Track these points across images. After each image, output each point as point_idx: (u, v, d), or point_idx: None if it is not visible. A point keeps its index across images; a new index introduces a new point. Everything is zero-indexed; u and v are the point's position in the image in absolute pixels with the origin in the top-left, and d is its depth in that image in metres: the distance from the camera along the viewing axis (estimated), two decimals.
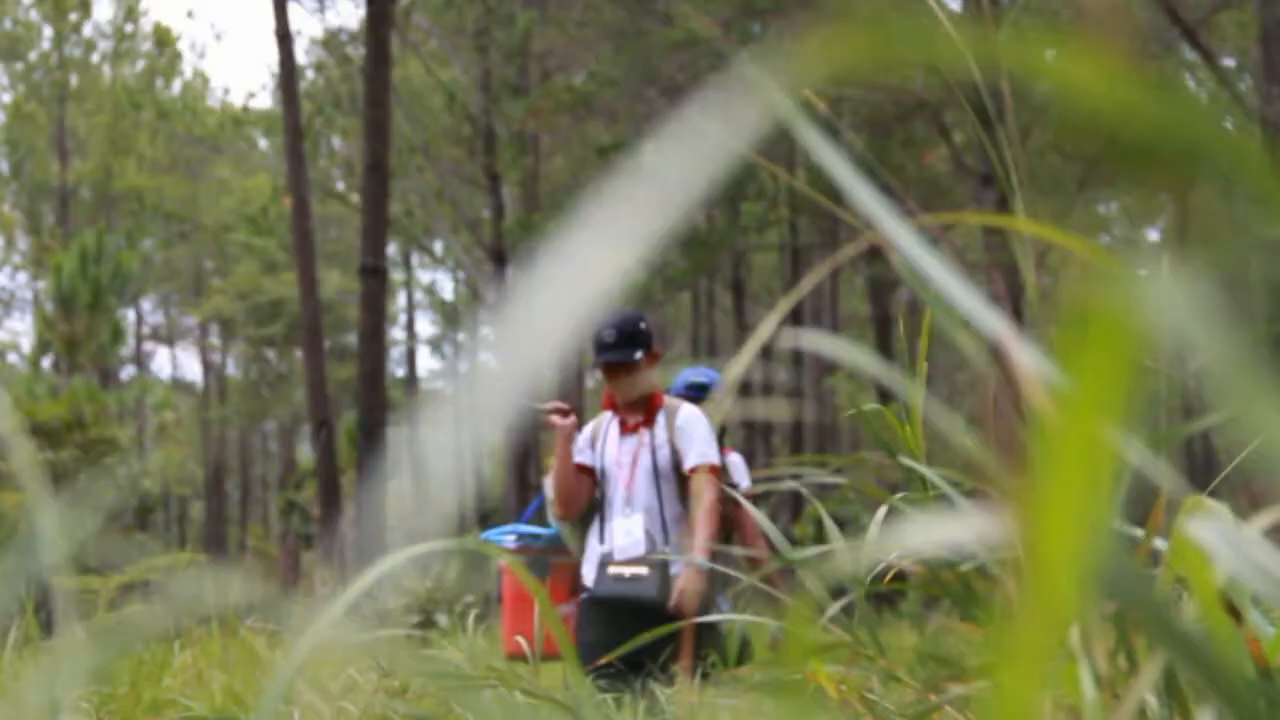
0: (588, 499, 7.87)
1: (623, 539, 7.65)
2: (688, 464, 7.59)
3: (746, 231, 37.73)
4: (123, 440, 29.74)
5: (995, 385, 1.53)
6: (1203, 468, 40.97)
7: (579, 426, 7.82)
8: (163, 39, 52.49)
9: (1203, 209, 0.72)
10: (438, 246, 49.69)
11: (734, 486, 8.05)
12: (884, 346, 38.75)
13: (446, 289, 59.31)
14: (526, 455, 38.26)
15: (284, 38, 25.15)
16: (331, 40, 41.35)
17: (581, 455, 7.85)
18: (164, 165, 52.01)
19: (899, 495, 2.08)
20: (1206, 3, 26.36)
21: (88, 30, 50.50)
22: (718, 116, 0.74)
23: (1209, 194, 0.70)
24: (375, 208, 23.32)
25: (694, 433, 7.64)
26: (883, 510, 2.16)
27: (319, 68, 43.49)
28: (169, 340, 65.83)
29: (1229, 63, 30.64)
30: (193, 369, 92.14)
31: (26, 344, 54.69)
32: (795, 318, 37.72)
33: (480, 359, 54.22)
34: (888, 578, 2.15)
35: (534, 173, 38.05)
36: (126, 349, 51.34)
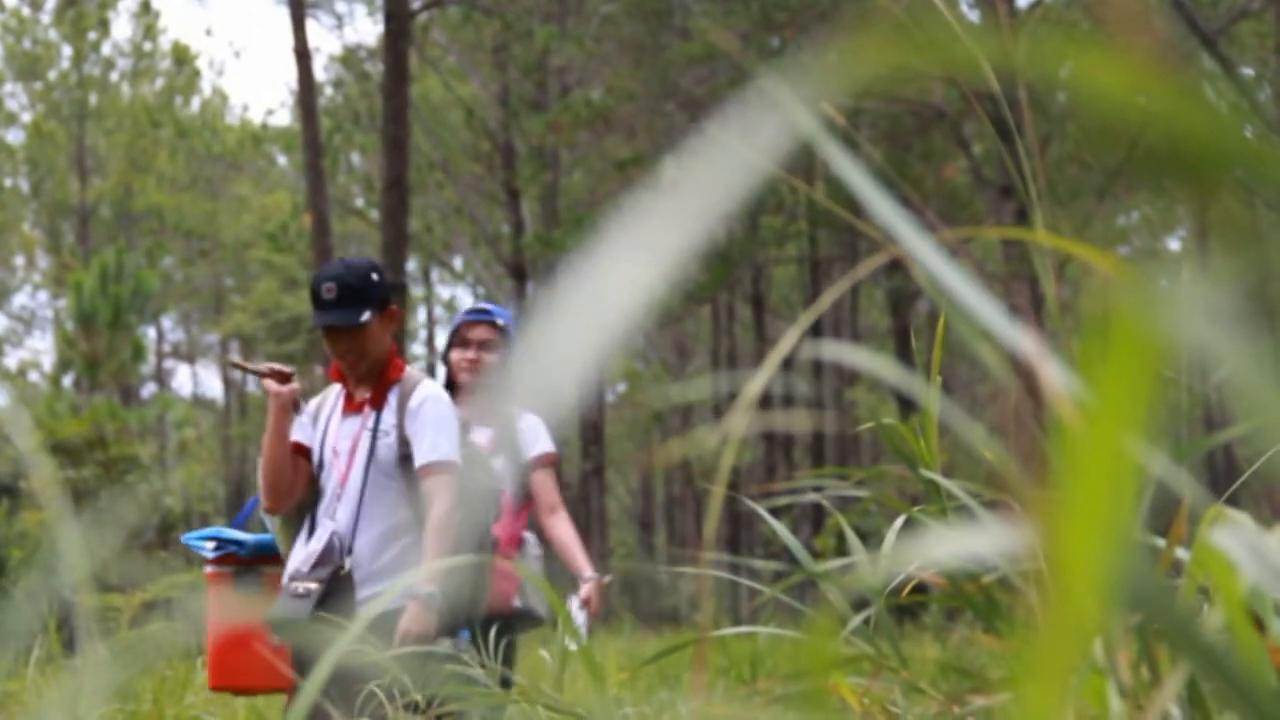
0: (303, 489, 6.31)
1: (305, 547, 6.14)
2: (418, 459, 6.07)
3: (766, 245, 37.75)
4: (144, 458, 29.78)
5: (1016, 397, 1.53)
6: (1224, 478, 40.88)
7: (360, 407, 6.24)
8: (181, 57, 52.59)
9: (1224, 218, 0.72)
10: (457, 262, 49.77)
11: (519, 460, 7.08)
12: (904, 359, 38.69)
13: (466, 305, 59.35)
14: None
15: (303, 55, 25.19)
16: (350, 57, 41.45)
17: (300, 433, 6.31)
18: (183, 183, 52.13)
19: (921, 508, 2.08)
20: (1225, 13, 26.33)
21: (107, 49, 50.59)
22: (738, 131, 0.74)
23: (1230, 203, 0.70)
24: (395, 224, 23.33)
25: (430, 417, 6.12)
26: (903, 522, 2.16)
27: (338, 84, 43.62)
28: (189, 358, 65.94)
29: (1248, 72, 30.58)
30: (214, 386, 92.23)
31: (48, 362, 54.81)
32: (815, 331, 37.72)
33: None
34: (908, 589, 2.15)
35: (553, 188, 38.08)
36: (147, 367, 51.43)
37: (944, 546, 1.12)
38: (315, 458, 6.25)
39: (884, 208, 1.12)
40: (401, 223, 23.58)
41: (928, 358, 2.02)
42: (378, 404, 6.17)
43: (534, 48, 35.72)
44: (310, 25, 34.91)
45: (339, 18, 44.65)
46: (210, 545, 6.47)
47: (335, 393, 6.33)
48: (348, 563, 6.00)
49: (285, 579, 6.06)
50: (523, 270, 38.06)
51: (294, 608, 5.92)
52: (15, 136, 51.20)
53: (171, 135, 48.10)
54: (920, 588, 2.15)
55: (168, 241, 50.94)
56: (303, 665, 6.09)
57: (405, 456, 6.09)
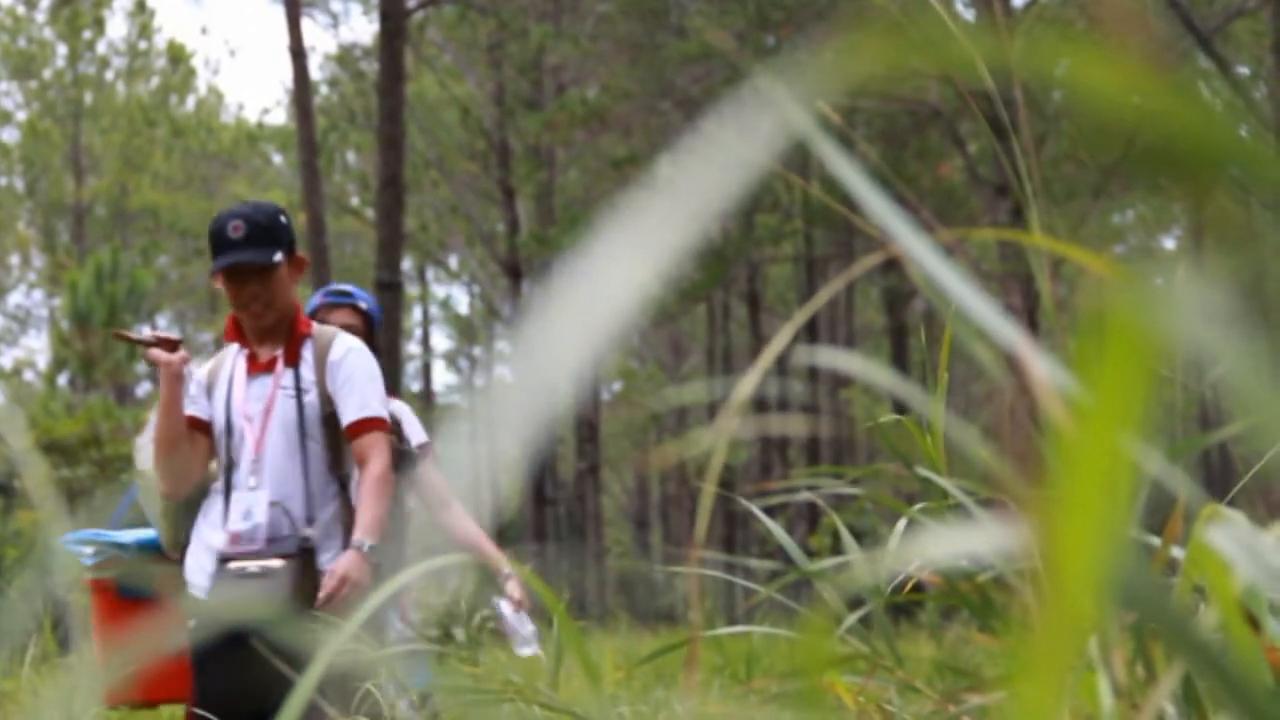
0: (203, 468, 5.71)
1: (239, 523, 5.53)
2: (346, 417, 5.60)
3: (761, 244, 37.75)
4: None
5: (1011, 396, 1.54)
6: (1220, 476, 40.91)
7: (268, 365, 5.70)
8: (177, 56, 52.56)
9: (1219, 217, 0.72)
10: (453, 261, 49.77)
11: (404, 448, 6.40)
12: (899, 358, 38.75)
13: (462, 304, 59.35)
14: (543, 469, 38.28)
15: (298, 54, 25.18)
16: (345, 56, 41.44)
17: (194, 405, 5.70)
18: (179, 182, 52.08)
19: (916, 506, 2.08)
20: (1221, 11, 26.35)
21: (102, 48, 50.57)
22: (734, 130, 0.74)
23: (1225, 202, 0.70)
24: (390, 223, 23.32)
25: (355, 372, 5.66)
26: (901, 521, 2.16)
27: (333, 83, 43.59)
28: None
29: (1243, 71, 30.60)
30: None
31: (42, 361, 54.76)
32: (810, 329, 37.74)
33: (497, 374, 54.28)
34: (907, 588, 2.15)
35: (549, 187, 38.08)
36: (142, 366, 51.42)
37: (940, 545, 1.12)
38: (218, 429, 5.70)
39: (879, 206, 1.12)
40: (397, 221, 23.57)
41: (923, 357, 2.02)
42: (292, 360, 5.68)
43: (529, 46, 35.71)
44: (305, 24, 34.83)
45: (334, 16, 44.71)
46: (88, 550, 5.82)
47: (232, 356, 5.78)
48: (309, 532, 5.54)
49: (208, 562, 5.56)
50: (518, 269, 38.08)
51: (261, 587, 5.44)
52: (10, 135, 51.18)
53: (166, 134, 48.13)
54: (916, 586, 2.15)
55: (163, 240, 50.94)
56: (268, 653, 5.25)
57: (329, 415, 5.63)
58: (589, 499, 40.61)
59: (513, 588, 6.49)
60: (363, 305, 6.62)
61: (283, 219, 5.64)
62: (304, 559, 5.51)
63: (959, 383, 43.01)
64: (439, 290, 58.54)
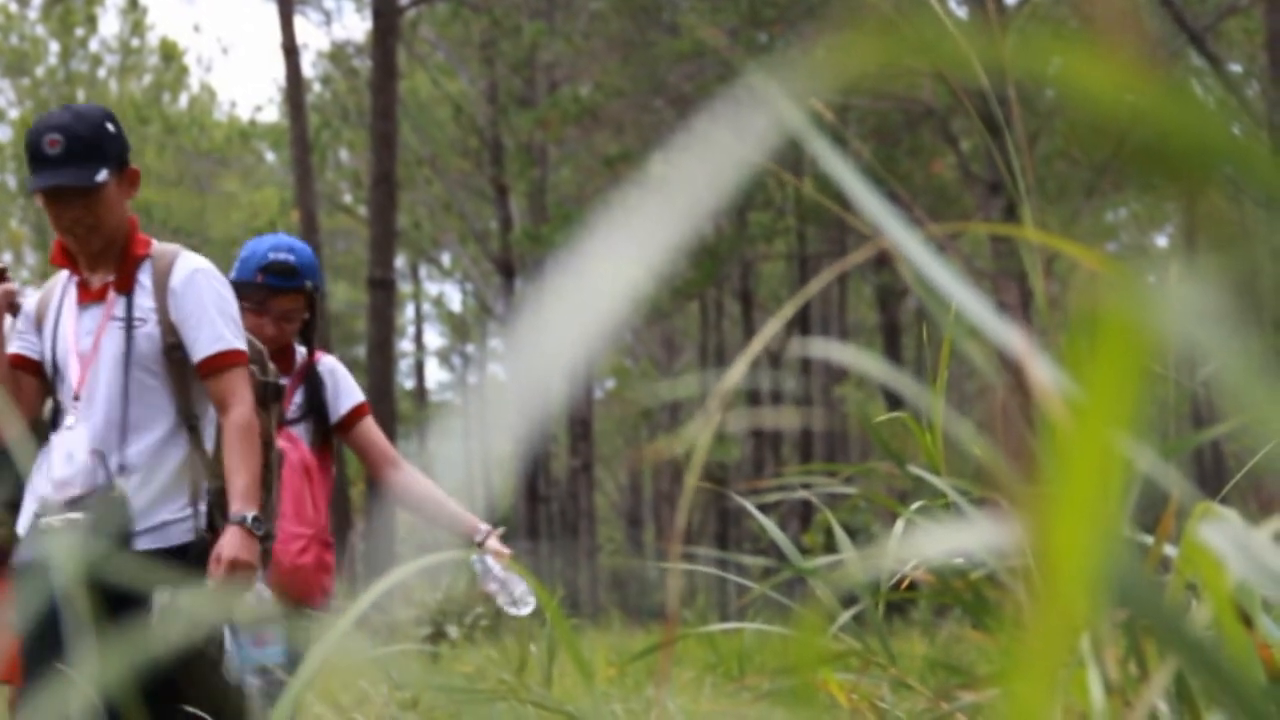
0: (32, 412, 5.00)
1: (62, 468, 4.78)
2: (197, 352, 4.84)
3: (754, 241, 37.72)
4: None
5: (1005, 393, 1.54)
6: (1213, 474, 40.93)
7: (100, 293, 4.98)
8: (169, 53, 52.51)
9: (1211, 215, 0.72)
10: (445, 258, 49.75)
11: (323, 418, 5.89)
12: (892, 355, 38.75)
13: (455, 301, 59.35)
14: (537, 466, 38.29)
15: (290, 51, 25.19)
16: (338, 53, 41.43)
17: (19, 343, 5.02)
18: (171, 179, 52.03)
19: (910, 504, 2.08)
20: (1213, 9, 26.36)
21: (94, 45, 50.53)
22: (727, 128, 0.74)
23: (1217, 200, 0.70)
24: (383, 220, 23.33)
25: (202, 297, 4.90)
26: (895, 519, 2.17)
27: (326, 81, 43.60)
28: None
29: (1236, 69, 30.62)
30: None
31: None
32: (803, 326, 37.76)
33: (489, 371, 54.28)
34: (904, 586, 2.15)
35: (541, 184, 38.07)
36: None
37: (933, 543, 1.12)
38: (47, 367, 4.99)
39: (872, 204, 1.12)
40: (389, 219, 23.58)
41: (916, 354, 2.03)
42: (126, 287, 4.91)
43: (522, 44, 35.69)
44: (298, 21, 34.84)
45: (327, 14, 44.71)
46: None
47: (62, 284, 5.06)
48: (121, 485, 4.78)
49: (27, 518, 4.90)
50: (511, 266, 38.08)
51: (65, 544, 4.69)
52: (3, 133, 51.16)
53: (159, 131, 48.06)
54: (909, 584, 2.15)
55: (156, 237, 50.89)
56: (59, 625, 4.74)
57: (173, 347, 4.87)
58: (582, 496, 40.62)
59: (495, 544, 5.78)
60: (307, 285, 5.82)
61: (109, 127, 4.85)
62: (112, 512, 4.72)
63: (952, 379, 42.90)
64: (432, 288, 58.58)
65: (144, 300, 4.90)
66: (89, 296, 4.95)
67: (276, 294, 5.75)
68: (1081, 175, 29.45)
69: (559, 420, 41.64)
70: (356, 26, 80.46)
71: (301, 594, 5.63)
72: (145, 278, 4.94)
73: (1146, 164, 0.66)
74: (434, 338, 70.48)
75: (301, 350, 5.90)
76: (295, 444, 5.78)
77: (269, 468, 5.05)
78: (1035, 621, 0.64)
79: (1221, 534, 1.13)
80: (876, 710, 2.29)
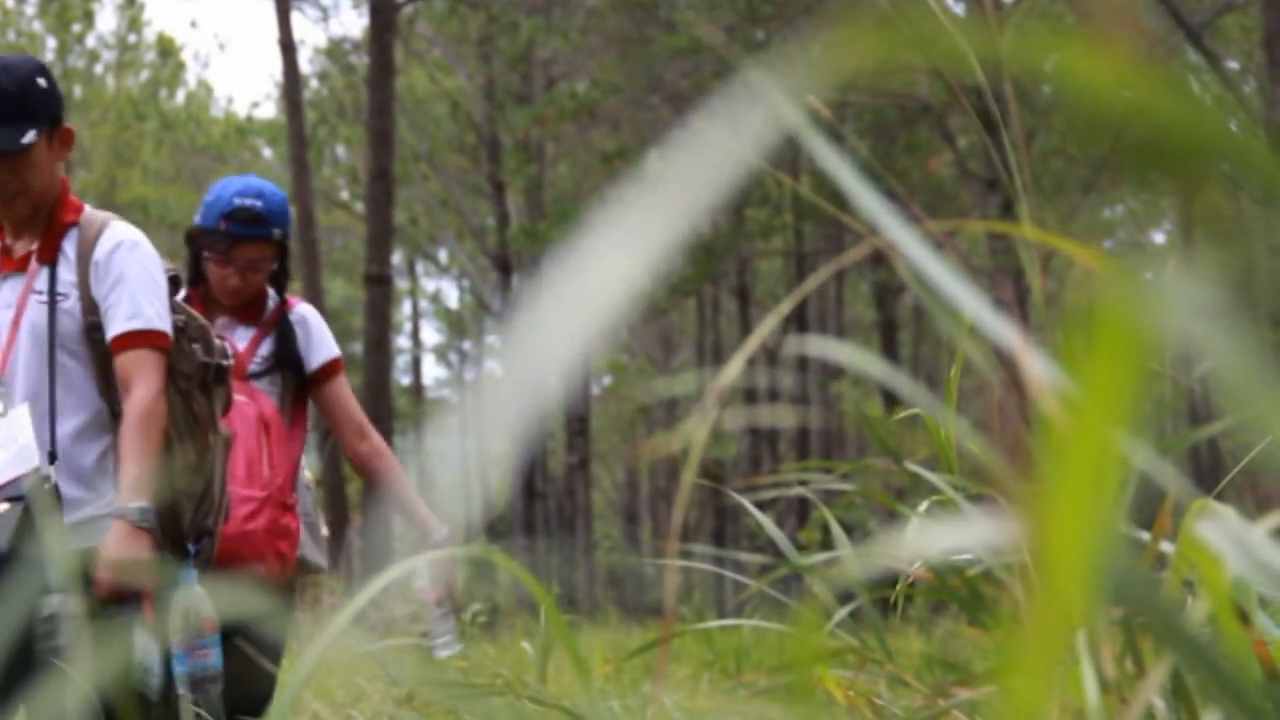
0: None
1: None
2: (111, 328, 4.38)
3: (751, 238, 37.73)
4: None
5: (1001, 390, 1.54)
6: (1209, 470, 40.95)
7: (23, 263, 4.53)
8: (166, 49, 52.50)
9: (1209, 212, 0.72)
10: (442, 255, 49.72)
11: (295, 371, 5.46)
12: (889, 352, 38.76)
13: (451, 297, 59.36)
14: (533, 463, 38.28)
15: (288, 47, 25.17)
16: (335, 49, 41.41)
17: None
18: (168, 175, 52.03)
19: (906, 501, 2.08)
20: (1210, 6, 26.37)
21: (91, 41, 50.51)
22: (724, 125, 0.74)
23: (1215, 197, 0.70)
24: (380, 216, 23.32)
25: (126, 271, 4.45)
26: (892, 516, 2.17)
27: (323, 77, 43.58)
28: None
29: (1233, 66, 30.63)
30: None
31: None
32: (800, 323, 37.75)
33: (486, 368, 54.28)
34: (906, 584, 2.15)
35: (538, 180, 38.05)
36: None
37: (929, 540, 1.12)
38: None
39: (869, 201, 1.12)
40: (386, 215, 23.57)
41: (913, 351, 2.03)
42: (49, 256, 4.48)
43: (519, 40, 35.68)
44: (295, 18, 34.84)
45: (324, 10, 44.55)
46: None
47: None
48: (52, 471, 4.36)
49: None
50: (508, 263, 38.06)
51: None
52: None
53: (156, 127, 48.01)
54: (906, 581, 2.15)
55: (152, 233, 50.90)
56: None
57: (94, 326, 4.45)
58: (579, 493, 40.60)
59: (440, 570, 5.37)
60: (275, 234, 5.42)
61: (40, 82, 4.41)
62: (42, 500, 4.27)
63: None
64: (428, 284, 58.46)
65: (66, 273, 4.47)
66: (11, 265, 4.53)
67: (241, 243, 5.34)
68: (1079, 172, 29.46)
69: (556, 417, 41.64)
70: (354, 23, 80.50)
71: (252, 562, 5.12)
72: (70, 247, 4.49)
73: (1144, 161, 0.66)
74: (431, 334, 70.44)
75: (274, 298, 5.51)
76: (255, 398, 5.30)
77: (210, 453, 4.57)
78: (1032, 618, 0.64)
79: (1218, 531, 1.13)
80: (873, 707, 2.29)
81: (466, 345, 59.46)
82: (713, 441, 38.24)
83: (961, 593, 1.94)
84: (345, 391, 5.56)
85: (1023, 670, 0.64)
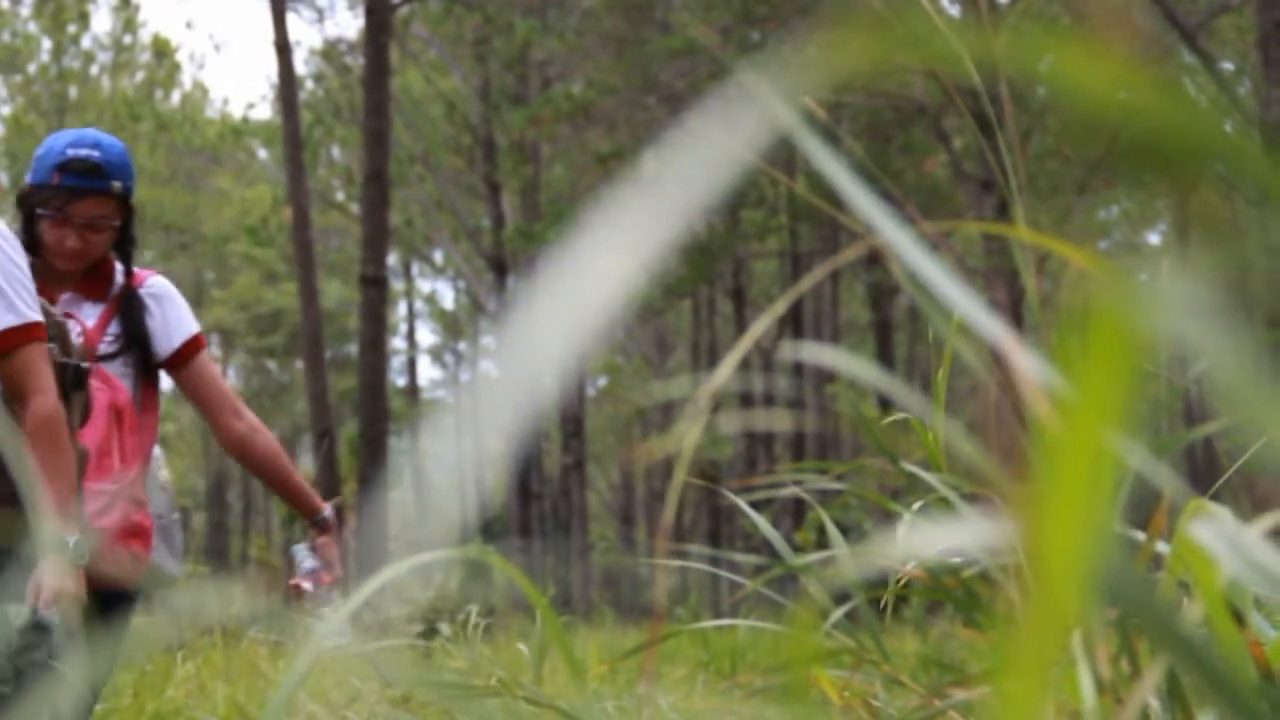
0: None
1: None
2: None
3: (747, 239, 37.77)
4: None
5: (996, 391, 1.54)
6: (1204, 471, 40.96)
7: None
8: (161, 50, 52.49)
9: (1203, 213, 0.72)
10: (438, 256, 49.76)
11: (147, 352, 4.93)
12: (884, 353, 38.79)
13: (447, 298, 59.37)
14: (529, 464, 38.29)
15: (283, 48, 25.17)
16: (331, 51, 41.43)
17: None
18: (164, 176, 52.01)
19: (902, 501, 2.08)
20: (1205, 7, 26.38)
21: (86, 42, 50.49)
22: (719, 125, 0.74)
23: (1210, 198, 0.70)
24: (375, 218, 23.31)
25: None
26: (888, 516, 2.17)
27: (318, 78, 43.57)
28: None
29: (1228, 67, 30.66)
30: None
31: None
32: (796, 324, 37.79)
33: (481, 369, 54.29)
34: (900, 584, 2.15)
35: (534, 181, 38.07)
36: None
37: (925, 540, 1.12)
38: None
39: (865, 202, 1.12)
40: (382, 216, 23.56)
41: (908, 351, 2.03)
42: None
43: (515, 41, 35.70)
44: (291, 19, 34.81)
45: (319, 11, 44.67)
46: None
47: None
48: None
49: None
50: (503, 264, 38.08)
51: None
52: None
53: (152, 129, 48.02)
54: (903, 581, 2.15)
55: (148, 235, 50.86)
56: None
57: None
58: (574, 494, 40.61)
59: (324, 545, 5.02)
60: (115, 186, 4.85)
61: None
62: None
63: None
64: (424, 285, 58.51)
65: None
66: None
67: (78, 197, 4.77)
68: (1074, 173, 29.48)
69: (551, 418, 41.64)
70: (349, 24, 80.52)
71: (103, 563, 4.47)
72: None
73: (1139, 162, 0.66)
74: (426, 335, 70.45)
75: (123, 271, 4.99)
76: (108, 383, 4.76)
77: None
78: (1027, 619, 0.64)
79: (1213, 532, 1.13)
80: (869, 707, 2.29)
81: (462, 346, 59.51)
82: (708, 442, 38.25)
83: (957, 593, 1.94)
84: (212, 370, 5.07)
85: (1018, 671, 0.64)
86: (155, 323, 4.92)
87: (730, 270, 41.18)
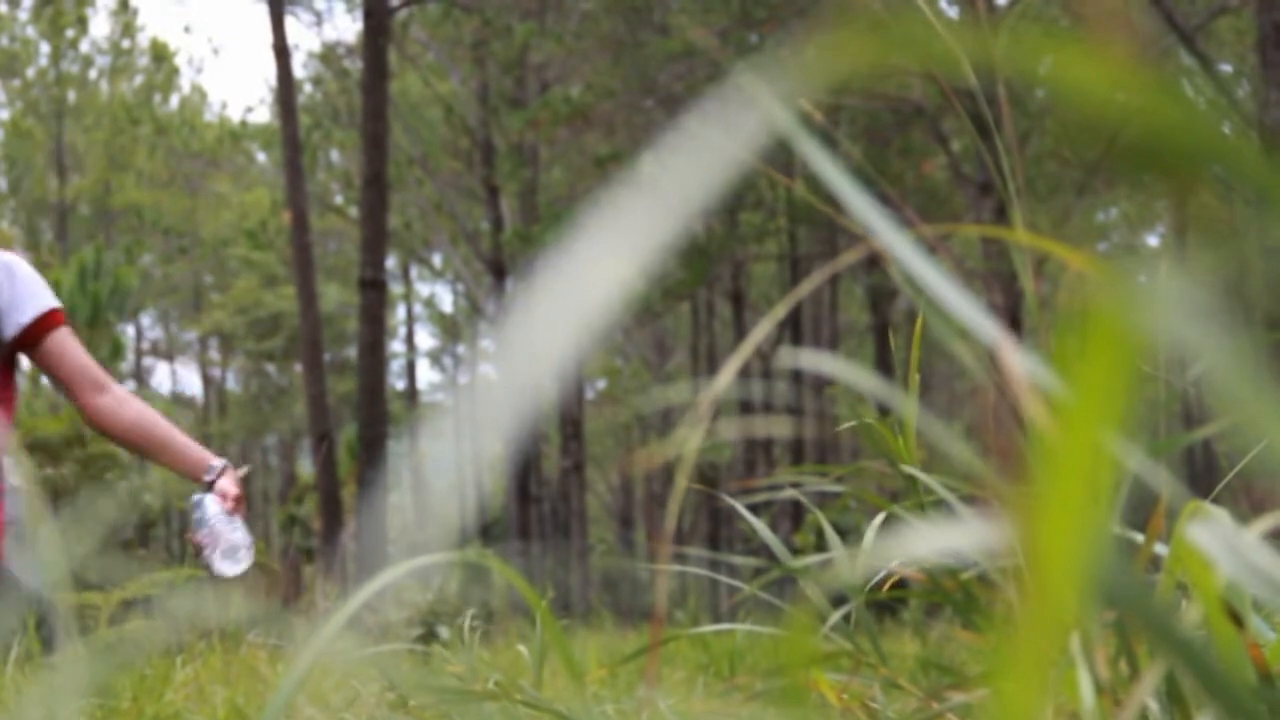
0: None
1: None
2: None
3: (745, 241, 37.79)
4: (123, 456, 29.77)
5: (994, 394, 1.54)
6: (1203, 473, 40.96)
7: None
8: (160, 54, 52.51)
9: (1202, 215, 0.72)
10: (437, 259, 49.76)
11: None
12: (883, 356, 38.79)
13: (446, 301, 59.38)
14: (528, 467, 38.29)
15: (282, 52, 25.17)
16: (329, 54, 41.42)
17: None
18: (162, 180, 52.05)
19: (900, 503, 2.08)
20: (1204, 9, 26.39)
21: (85, 46, 50.52)
22: (717, 128, 0.74)
23: (1208, 200, 0.70)
24: (374, 221, 23.31)
25: None
26: (883, 518, 2.17)
27: (317, 82, 43.59)
28: (168, 355, 65.82)
29: (1226, 69, 30.66)
30: (193, 384, 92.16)
31: (26, 361, 54.71)
32: (795, 327, 37.79)
33: (480, 371, 54.29)
34: (888, 585, 2.15)
35: (532, 184, 38.08)
36: (126, 364, 51.43)
37: (923, 543, 1.12)
38: None
39: (863, 205, 1.12)
40: (380, 219, 23.56)
41: (907, 355, 2.03)
42: None
43: (513, 44, 35.69)
44: (289, 22, 34.81)
45: (318, 15, 44.67)
46: None
47: None
48: None
49: None
50: (502, 267, 38.08)
51: None
52: None
53: (150, 132, 48.05)
54: (899, 583, 2.15)
55: (146, 239, 50.91)
56: None
57: None
58: (573, 497, 40.61)
59: (226, 484, 4.69)
60: None
61: None
62: None
63: (942, 380, 43.06)
64: (423, 288, 58.63)
65: None
66: None
67: None
68: (1072, 175, 29.49)
69: (550, 420, 41.65)
70: (347, 27, 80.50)
71: None
72: None
73: (1137, 164, 0.66)
74: (425, 338, 70.56)
75: None
76: None
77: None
78: (1025, 621, 0.64)
79: (1212, 534, 1.13)
80: (868, 710, 2.29)
81: (460, 349, 59.52)
82: (707, 445, 38.27)
83: (955, 595, 1.94)
84: (71, 344, 4.71)
85: (1017, 673, 0.64)
86: (5, 300, 4.56)
87: (729, 273, 41.19)
